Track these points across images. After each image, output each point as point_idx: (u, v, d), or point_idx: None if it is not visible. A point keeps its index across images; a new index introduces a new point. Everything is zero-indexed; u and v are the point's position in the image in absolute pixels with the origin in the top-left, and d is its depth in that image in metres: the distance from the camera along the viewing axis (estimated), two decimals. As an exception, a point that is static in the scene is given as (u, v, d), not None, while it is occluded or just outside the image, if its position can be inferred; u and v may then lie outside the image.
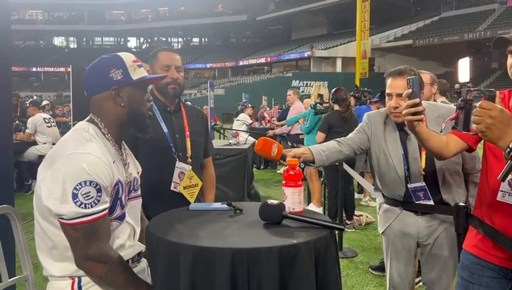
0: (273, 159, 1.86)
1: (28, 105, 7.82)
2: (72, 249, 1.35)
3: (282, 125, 7.79)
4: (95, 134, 1.44)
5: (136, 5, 54.22)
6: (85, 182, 1.31)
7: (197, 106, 3.02)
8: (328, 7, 43.45)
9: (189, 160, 2.16)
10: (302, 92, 21.90)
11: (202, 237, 1.35)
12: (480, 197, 1.64)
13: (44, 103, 10.85)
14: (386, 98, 2.13)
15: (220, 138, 8.72)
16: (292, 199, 1.58)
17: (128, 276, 1.40)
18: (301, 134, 6.85)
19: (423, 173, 2.08)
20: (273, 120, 9.11)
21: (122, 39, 59.47)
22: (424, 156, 2.09)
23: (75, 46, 59.81)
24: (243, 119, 9.73)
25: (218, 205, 1.71)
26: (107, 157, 1.40)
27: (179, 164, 2.12)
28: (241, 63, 48.58)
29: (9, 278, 1.80)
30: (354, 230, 4.95)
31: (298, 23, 49.03)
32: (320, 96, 5.71)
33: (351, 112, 5.07)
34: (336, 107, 5.01)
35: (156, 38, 57.66)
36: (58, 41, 61.07)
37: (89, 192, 1.31)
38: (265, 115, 12.76)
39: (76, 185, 1.30)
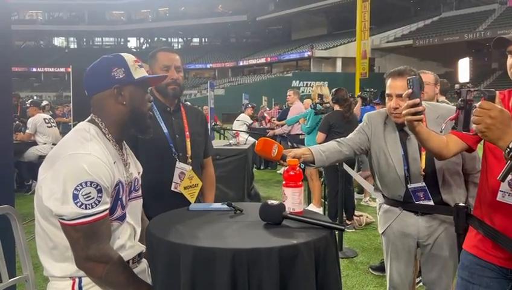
0: (274, 159, 1.86)
1: (28, 105, 7.82)
2: (73, 249, 1.35)
3: (282, 125, 7.79)
4: (95, 134, 1.44)
5: (136, 5, 54.23)
6: (86, 182, 1.31)
7: (197, 106, 3.02)
8: (328, 7, 43.45)
9: (189, 160, 2.16)
10: (302, 92, 21.91)
11: (202, 238, 1.36)
12: (480, 198, 1.64)
13: (44, 103, 10.86)
14: (386, 98, 2.13)
15: (220, 138, 8.72)
16: (292, 200, 1.58)
17: (129, 276, 1.40)
18: (301, 134, 6.85)
19: (423, 173, 2.08)
20: (273, 120, 9.11)
21: (122, 39, 59.48)
22: (424, 157, 2.09)
23: (75, 46, 59.82)
24: (243, 120, 9.73)
25: (218, 205, 1.71)
26: (107, 157, 1.40)
27: (179, 164, 2.12)
28: (241, 63, 48.58)
29: (10, 279, 1.80)
30: (354, 230, 4.95)
31: (298, 24, 49.02)
32: (321, 96, 5.71)
33: (353, 112, 5.07)
34: (337, 107, 5.01)
35: (156, 39, 57.65)
36: (58, 41, 61.08)
37: (90, 193, 1.31)
38: (266, 115, 12.76)
39: (77, 186, 1.30)
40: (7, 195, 2.35)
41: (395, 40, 38.61)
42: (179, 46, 57.44)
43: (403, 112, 1.66)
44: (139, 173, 1.64)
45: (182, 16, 53.59)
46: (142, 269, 1.57)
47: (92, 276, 1.37)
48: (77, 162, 1.32)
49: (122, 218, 1.47)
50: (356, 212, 5.17)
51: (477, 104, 1.29)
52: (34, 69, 51.37)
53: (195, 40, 60.23)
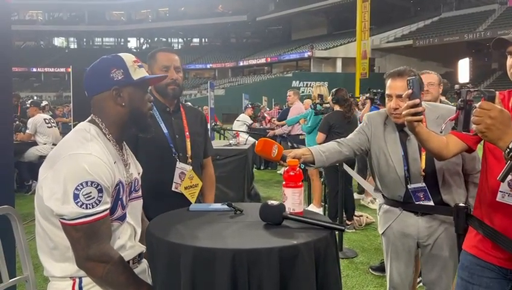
0: (274, 159, 1.87)
1: (28, 105, 7.82)
2: (73, 249, 1.35)
3: (282, 126, 7.79)
4: (96, 134, 1.45)
5: (136, 5, 54.24)
6: (86, 182, 1.31)
7: (197, 106, 3.02)
8: (328, 7, 43.46)
9: (190, 160, 2.16)
10: (302, 92, 21.93)
11: (202, 238, 1.36)
12: (480, 198, 1.64)
13: (44, 103, 10.85)
14: (386, 99, 2.13)
15: (220, 139, 8.71)
16: (292, 200, 1.58)
17: (129, 276, 1.40)
18: (301, 134, 6.85)
19: (423, 173, 2.09)
20: (273, 120, 9.10)
21: (122, 40, 59.49)
22: (424, 157, 2.09)
23: (75, 46, 59.84)
24: (243, 120, 9.73)
25: (218, 205, 1.72)
26: (108, 157, 1.41)
27: (180, 165, 2.12)
28: (241, 64, 48.58)
29: (10, 279, 1.80)
30: (354, 231, 4.95)
31: (298, 24, 49.03)
32: (320, 96, 5.71)
33: (353, 113, 5.07)
34: (337, 107, 5.01)
35: (156, 39, 57.66)
36: (58, 41, 61.10)
37: (90, 192, 1.31)
38: (266, 115, 12.76)
39: (78, 186, 1.30)
40: (7, 195, 2.35)
41: (395, 40, 38.61)
42: (179, 47, 57.47)
43: (403, 113, 1.66)
44: (139, 173, 1.64)
45: (182, 16, 53.59)
46: (143, 269, 1.57)
47: (93, 276, 1.37)
48: (78, 162, 1.32)
49: (122, 218, 1.48)
50: (356, 213, 5.17)
51: (477, 105, 1.29)
52: (34, 69, 51.39)
53: (195, 40, 60.24)
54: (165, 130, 2.12)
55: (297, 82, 34.81)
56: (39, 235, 1.43)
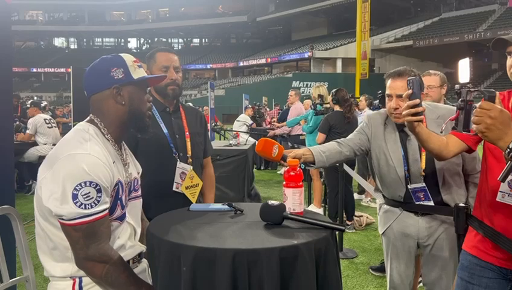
0: (274, 159, 1.87)
1: (28, 106, 7.82)
2: (72, 249, 1.35)
3: (282, 126, 7.79)
4: (95, 134, 1.45)
5: (137, 5, 54.28)
6: (85, 182, 1.31)
7: (197, 106, 3.02)
8: (329, 8, 43.47)
9: (190, 160, 2.17)
10: (302, 92, 21.92)
11: (203, 238, 1.36)
12: (480, 198, 1.64)
13: (44, 104, 10.85)
14: (386, 99, 2.13)
15: (220, 139, 8.72)
16: (293, 200, 1.58)
17: (129, 276, 1.40)
18: (302, 135, 6.85)
19: (423, 173, 2.09)
20: (274, 121, 9.10)
21: (122, 40, 59.53)
22: (424, 157, 2.09)
23: (76, 46, 59.87)
24: (243, 120, 9.72)
25: (218, 205, 1.72)
26: (107, 157, 1.41)
27: (180, 164, 2.12)
28: (241, 64, 48.60)
29: (10, 279, 1.80)
30: (354, 231, 4.95)
31: (298, 24, 49.05)
32: (321, 97, 5.71)
33: (353, 113, 5.07)
34: (337, 107, 5.01)
35: (156, 39, 57.65)
36: (58, 42, 61.12)
37: (89, 192, 1.31)
38: (266, 115, 12.76)
39: (76, 186, 1.30)
40: (8, 195, 2.35)
41: (395, 40, 38.63)
42: (179, 47, 57.51)
43: (403, 113, 1.66)
44: (138, 173, 1.64)
45: (182, 16, 53.63)
46: (143, 269, 1.57)
47: (92, 276, 1.37)
48: (76, 162, 1.32)
49: (122, 218, 1.48)
50: (356, 213, 5.17)
51: (477, 105, 1.29)
52: (34, 70, 51.41)
53: (196, 40, 60.27)
54: (165, 130, 2.12)
55: (298, 82, 34.86)
56: (39, 236, 1.43)
